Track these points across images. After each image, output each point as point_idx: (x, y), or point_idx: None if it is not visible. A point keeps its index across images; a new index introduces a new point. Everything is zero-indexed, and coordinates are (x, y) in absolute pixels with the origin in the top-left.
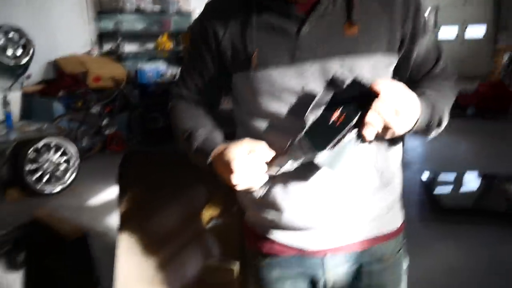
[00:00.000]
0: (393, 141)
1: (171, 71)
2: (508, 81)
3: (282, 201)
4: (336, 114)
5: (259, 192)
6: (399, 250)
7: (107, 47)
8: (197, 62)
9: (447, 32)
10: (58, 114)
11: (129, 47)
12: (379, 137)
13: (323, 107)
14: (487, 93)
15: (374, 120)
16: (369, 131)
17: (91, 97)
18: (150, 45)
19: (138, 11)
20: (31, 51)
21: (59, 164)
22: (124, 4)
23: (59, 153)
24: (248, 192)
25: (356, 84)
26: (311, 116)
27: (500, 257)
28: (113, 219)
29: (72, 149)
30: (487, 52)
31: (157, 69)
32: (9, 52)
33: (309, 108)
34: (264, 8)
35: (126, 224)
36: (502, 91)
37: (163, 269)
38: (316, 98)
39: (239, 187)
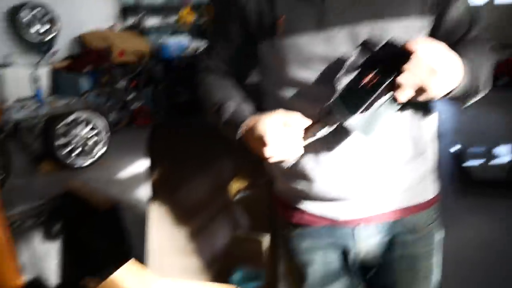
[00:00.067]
0: (428, 109)
1: (194, 44)
2: None
3: (312, 170)
4: (369, 77)
5: (288, 162)
6: (433, 222)
7: (129, 21)
8: (223, 32)
9: None
10: (85, 89)
11: (151, 21)
12: (414, 102)
13: (354, 72)
14: None
15: (408, 80)
16: (403, 93)
17: (116, 72)
18: (172, 19)
19: None
20: (56, 27)
21: (88, 138)
22: None
23: (88, 127)
24: (277, 163)
25: (390, 45)
26: (343, 81)
27: None
28: (142, 192)
29: (100, 123)
30: None
31: (180, 43)
32: (35, 29)
33: (340, 73)
34: None
35: (156, 195)
36: None
37: (193, 239)
38: (347, 63)
39: (272, 160)
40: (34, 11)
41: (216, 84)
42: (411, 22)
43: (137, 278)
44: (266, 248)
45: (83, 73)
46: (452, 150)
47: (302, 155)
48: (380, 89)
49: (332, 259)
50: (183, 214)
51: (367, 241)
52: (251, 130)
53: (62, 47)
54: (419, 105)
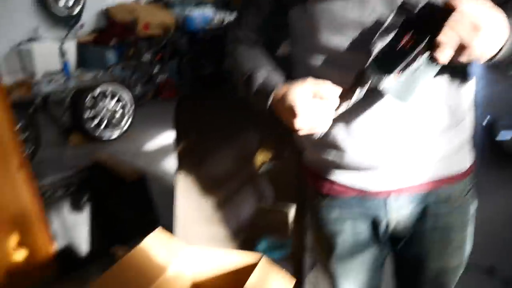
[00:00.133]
0: (467, 75)
1: (219, 16)
2: None
3: (344, 141)
4: (406, 38)
5: (319, 133)
6: (468, 192)
7: None
8: (252, 0)
9: None
10: (111, 62)
11: None
12: (454, 65)
13: (391, 35)
14: None
15: (448, 37)
16: (443, 52)
17: (142, 45)
18: None
19: None
20: (82, 1)
21: (115, 111)
22: None
23: (115, 100)
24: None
25: (430, 6)
26: (378, 46)
27: None
28: (169, 163)
29: (126, 96)
30: None
31: (204, 15)
32: (62, 2)
33: (376, 38)
34: None
35: (183, 167)
36: None
37: (219, 209)
38: (383, 27)
39: (302, 132)
40: None
41: (245, 54)
42: None
43: (165, 246)
44: (292, 219)
45: (109, 46)
46: (483, 122)
47: (333, 125)
48: (418, 48)
49: (361, 229)
50: (209, 185)
51: (399, 212)
52: (281, 99)
53: (88, 21)
54: (458, 71)
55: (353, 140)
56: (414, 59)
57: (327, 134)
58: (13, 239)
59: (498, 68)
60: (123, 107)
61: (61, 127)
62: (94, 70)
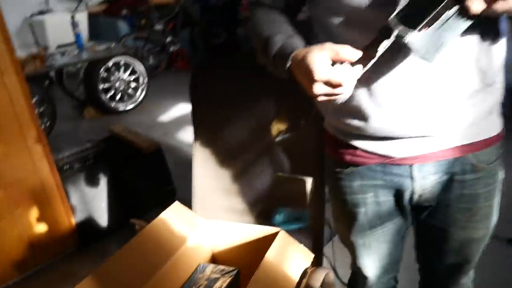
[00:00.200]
0: (497, 34)
1: None
2: None
3: (368, 106)
4: None
5: (339, 100)
6: (496, 160)
7: None
8: None
9: None
10: (123, 33)
11: None
12: (485, 20)
13: None
14: None
15: None
16: (474, 3)
17: (154, 14)
18: None
19: None
20: None
21: (129, 82)
22: None
23: (128, 71)
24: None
25: None
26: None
27: None
28: (184, 134)
29: (140, 67)
30: None
31: None
32: None
33: None
34: None
35: (199, 138)
36: None
37: (236, 181)
38: None
39: (321, 98)
40: None
41: (265, 19)
42: None
43: (183, 219)
44: (309, 189)
45: (121, 16)
46: (509, 86)
47: (356, 90)
48: None
49: (384, 199)
50: (226, 156)
51: (424, 180)
52: (300, 63)
53: None
54: (489, 28)
55: (378, 106)
56: (442, 11)
57: (349, 100)
58: (33, 213)
59: None
60: (136, 79)
61: (76, 100)
62: (107, 42)
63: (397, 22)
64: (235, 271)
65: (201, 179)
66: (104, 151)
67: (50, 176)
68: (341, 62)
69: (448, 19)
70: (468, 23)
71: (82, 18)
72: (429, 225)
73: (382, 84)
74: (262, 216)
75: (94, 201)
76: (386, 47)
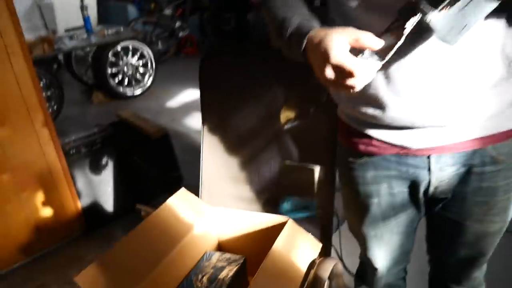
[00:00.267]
0: None
1: None
2: None
3: (385, 94)
4: None
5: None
6: None
7: None
8: None
9: None
10: (132, 17)
11: None
12: None
13: None
14: None
15: None
16: None
17: None
18: None
19: None
20: None
21: (137, 67)
22: None
23: (137, 56)
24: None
25: None
26: None
27: None
28: (191, 121)
29: (148, 52)
30: None
31: None
32: None
33: None
34: None
35: (208, 124)
36: None
37: (244, 168)
38: None
39: (330, 85)
40: None
41: (281, 2)
42: None
43: (189, 205)
44: (317, 178)
45: (130, 0)
46: None
47: (374, 77)
48: None
49: (398, 190)
50: (233, 143)
51: (441, 172)
52: (317, 44)
53: None
54: None
55: (395, 94)
56: None
57: (365, 87)
58: (39, 197)
59: None
60: (145, 64)
61: (84, 84)
62: (115, 26)
63: (418, 2)
64: (242, 260)
65: (209, 166)
66: (111, 136)
67: (57, 160)
68: (360, 51)
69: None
70: (494, 4)
71: (91, 2)
72: (444, 217)
73: (401, 70)
74: (269, 204)
75: (101, 186)
76: (412, 25)
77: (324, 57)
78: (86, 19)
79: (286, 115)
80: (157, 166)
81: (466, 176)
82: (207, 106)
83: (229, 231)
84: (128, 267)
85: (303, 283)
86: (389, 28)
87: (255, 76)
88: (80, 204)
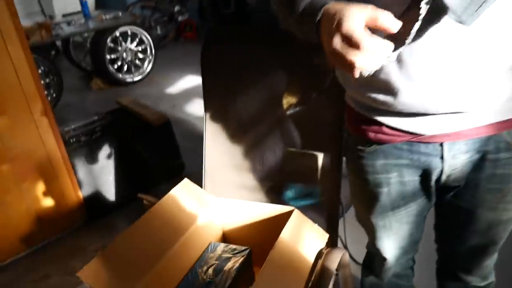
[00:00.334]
0: None
1: None
2: None
3: (397, 80)
4: None
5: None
6: None
7: None
8: None
9: None
10: (130, 1)
11: None
12: None
13: None
14: None
15: None
16: None
17: None
18: None
19: None
20: None
21: (136, 53)
22: None
23: (135, 42)
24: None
25: None
26: None
27: None
28: (192, 107)
29: (147, 37)
30: None
31: None
32: None
33: None
34: None
35: (210, 110)
36: None
37: (247, 155)
38: None
39: (340, 62)
40: None
41: None
42: None
43: (193, 196)
44: (321, 165)
45: None
46: None
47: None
48: None
49: (409, 178)
50: (236, 130)
51: (454, 160)
52: (332, 16)
53: None
54: None
55: (408, 79)
56: None
57: (376, 72)
58: (40, 187)
59: None
60: (144, 49)
61: (83, 70)
62: (113, 11)
63: None
64: (247, 251)
65: (212, 154)
66: (112, 123)
67: (57, 149)
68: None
69: None
70: None
71: None
72: (455, 205)
73: (414, 54)
74: (273, 192)
75: (102, 175)
76: (428, 4)
77: (337, 25)
78: (83, 4)
79: (288, 100)
80: (158, 153)
81: (480, 163)
82: (209, 93)
83: (234, 222)
84: (131, 260)
85: (310, 274)
86: (404, 13)
87: (257, 61)
88: (81, 193)
